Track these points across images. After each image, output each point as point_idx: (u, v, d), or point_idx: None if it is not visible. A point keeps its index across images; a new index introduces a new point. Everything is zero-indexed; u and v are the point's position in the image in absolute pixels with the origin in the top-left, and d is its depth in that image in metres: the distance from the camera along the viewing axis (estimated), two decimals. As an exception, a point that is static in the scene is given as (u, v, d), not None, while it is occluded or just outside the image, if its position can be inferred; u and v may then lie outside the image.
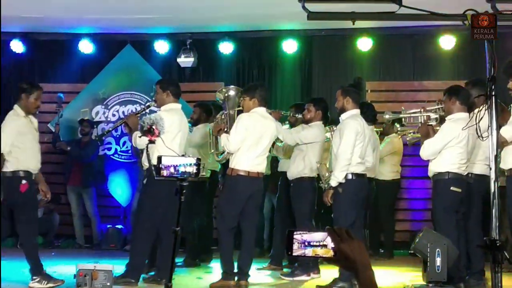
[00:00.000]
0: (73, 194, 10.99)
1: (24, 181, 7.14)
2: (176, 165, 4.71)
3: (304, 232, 2.24)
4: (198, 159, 4.82)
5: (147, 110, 8.34)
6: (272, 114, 7.99)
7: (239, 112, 7.67)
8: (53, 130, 11.26)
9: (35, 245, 7.49)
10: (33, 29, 11.33)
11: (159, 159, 4.74)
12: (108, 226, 11.10)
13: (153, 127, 5.96)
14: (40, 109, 11.52)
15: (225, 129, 7.59)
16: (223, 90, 8.07)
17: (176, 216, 4.96)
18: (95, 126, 11.30)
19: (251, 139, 7.38)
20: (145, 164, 7.28)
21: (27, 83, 7.53)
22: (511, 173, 6.75)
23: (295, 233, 2.23)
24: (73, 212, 11.04)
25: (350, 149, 7.24)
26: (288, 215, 8.49)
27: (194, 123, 9.02)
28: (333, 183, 7.27)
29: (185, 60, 11.15)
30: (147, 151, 6.51)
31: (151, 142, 6.11)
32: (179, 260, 8.60)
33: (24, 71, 11.88)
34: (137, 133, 7.16)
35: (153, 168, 6.19)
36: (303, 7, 4.79)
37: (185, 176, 4.74)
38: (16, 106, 7.36)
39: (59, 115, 11.03)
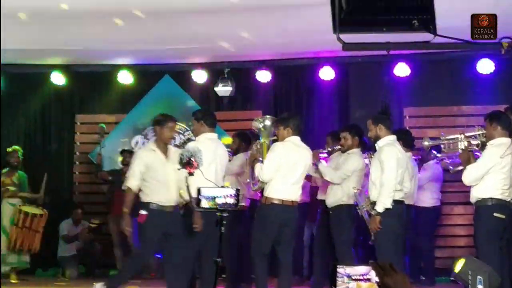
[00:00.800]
0: (113, 223, 11.06)
1: (143, 212, 7.14)
2: (216, 197, 4.75)
3: (348, 266, 2.25)
4: (237, 190, 4.86)
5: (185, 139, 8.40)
6: (313, 159, 8.05)
7: (274, 141, 7.71)
8: (95, 161, 11.40)
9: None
10: (74, 61, 11.52)
11: (199, 190, 4.78)
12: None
13: (192, 159, 6.02)
14: (81, 140, 11.83)
15: (260, 159, 7.64)
16: (259, 119, 8.11)
17: (216, 246, 4.98)
18: (135, 156, 11.40)
19: (285, 168, 7.41)
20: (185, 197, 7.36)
21: (161, 115, 7.63)
22: None
23: (338, 266, 2.25)
24: (114, 242, 11.11)
25: (395, 174, 7.23)
26: (327, 242, 8.46)
27: (234, 152, 9.07)
28: (380, 209, 7.24)
29: (223, 89, 11.22)
30: (186, 183, 6.57)
31: (190, 174, 6.17)
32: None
33: (65, 103, 12.05)
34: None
35: (192, 199, 6.25)
36: (338, 38, 4.83)
37: (225, 207, 4.78)
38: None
39: (101, 145, 11.16)
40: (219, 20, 8.80)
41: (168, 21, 8.93)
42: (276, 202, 7.40)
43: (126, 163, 11.06)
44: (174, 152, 7.36)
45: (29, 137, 12.01)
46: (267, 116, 8.40)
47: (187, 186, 6.65)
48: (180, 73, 11.64)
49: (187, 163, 6.03)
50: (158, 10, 8.38)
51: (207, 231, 7.15)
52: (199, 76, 11.36)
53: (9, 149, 10.58)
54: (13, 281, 10.13)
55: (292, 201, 7.49)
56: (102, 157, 11.23)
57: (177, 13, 8.47)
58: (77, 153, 11.93)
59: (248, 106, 11.69)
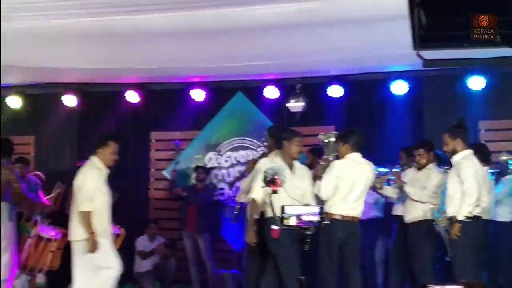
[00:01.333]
0: (188, 239, 11.18)
1: (275, 227, 7.10)
2: (300, 215, 4.76)
3: (438, 285, 2.24)
4: (321, 208, 4.86)
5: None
6: (396, 182, 8.04)
7: (337, 157, 7.75)
8: (168, 177, 11.55)
9: None
10: (148, 80, 11.69)
11: (283, 208, 4.81)
12: (223, 271, 11.22)
13: (276, 177, 6.05)
14: (156, 157, 12.00)
15: (321, 175, 7.67)
16: (325, 134, 8.14)
17: (299, 264, 4.99)
18: (209, 173, 11.53)
19: (344, 186, 7.42)
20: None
21: (287, 131, 7.75)
22: None
23: (428, 286, 2.24)
24: (189, 258, 11.21)
25: (475, 184, 7.16)
26: (404, 259, 8.39)
27: (308, 167, 9.06)
28: (461, 216, 7.18)
29: (295, 105, 11.23)
30: (269, 200, 6.58)
31: (274, 192, 6.20)
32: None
33: (140, 120, 12.23)
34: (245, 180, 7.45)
35: (276, 217, 6.27)
36: (418, 55, 4.79)
37: (309, 225, 4.79)
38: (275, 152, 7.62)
39: (176, 161, 11.31)
40: (291, 36, 8.80)
41: (240, 39, 8.97)
42: (337, 218, 7.42)
43: (200, 180, 11.20)
44: (300, 168, 7.44)
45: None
46: (332, 132, 8.42)
47: (271, 204, 6.68)
48: (252, 89, 11.69)
49: (271, 181, 6.06)
50: (230, 28, 8.44)
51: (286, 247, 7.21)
52: (271, 92, 11.39)
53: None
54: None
55: (353, 217, 7.50)
56: (177, 173, 11.38)
57: (248, 30, 8.51)
58: (152, 169, 12.08)
59: (320, 122, 11.64)
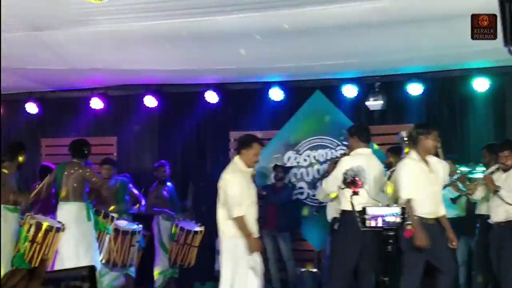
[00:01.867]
0: (268, 238, 11.22)
1: (409, 227, 7.00)
2: (382, 216, 4.74)
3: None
4: (403, 208, 4.83)
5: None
6: (489, 187, 7.93)
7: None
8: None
9: None
10: (226, 80, 11.80)
11: (364, 209, 4.79)
12: (303, 269, 11.24)
13: (356, 178, 6.02)
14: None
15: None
16: (405, 132, 8.10)
17: (383, 266, 4.96)
18: (288, 172, 11.56)
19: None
20: (338, 208, 7.41)
21: (422, 126, 7.75)
22: None
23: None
24: (269, 256, 11.25)
25: None
26: (487, 259, 8.25)
27: (387, 167, 9.00)
28: None
29: (374, 103, 11.15)
30: (350, 201, 6.56)
31: (355, 193, 6.18)
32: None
33: (219, 120, 12.34)
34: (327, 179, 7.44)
35: (358, 218, 6.26)
36: (510, 51, 4.71)
37: (390, 226, 4.76)
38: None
39: (255, 160, 11.36)
40: (369, 34, 8.77)
41: (319, 38, 8.98)
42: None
43: (279, 178, 11.24)
44: (437, 163, 7.39)
45: (185, 155, 12.38)
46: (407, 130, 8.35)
47: (352, 205, 6.67)
48: (331, 88, 11.65)
49: (352, 183, 6.03)
50: (308, 27, 8.46)
51: (360, 247, 7.20)
52: (350, 91, 11.34)
53: (157, 165, 11.01)
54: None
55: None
56: (256, 172, 11.41)
57: (327, 29, 8.51)
58: (231, 169, 12.15)
59: (400, 120, 11.53)
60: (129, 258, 9.56)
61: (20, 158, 8.68)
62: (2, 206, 8.46)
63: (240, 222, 7.43)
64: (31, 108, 12.64)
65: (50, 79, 11.95)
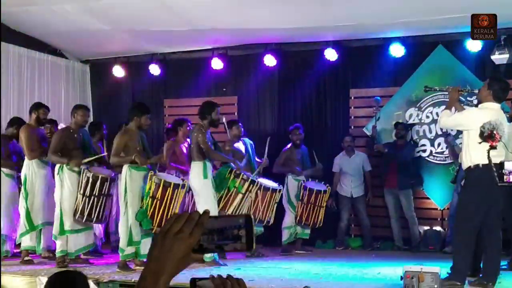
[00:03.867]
0: (390, 196, 11.13)
1: None
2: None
3: None
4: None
5: (466, 93, 8.10)
6: None
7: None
8: (369, 134, 11.54)
9: None
10: (346, 37, 11.67)
11: (501, 164, 4.65)
12: (426, 228, 11.10)
13: (494, 132, 5.84)
14: (355, 114, 12.01)
15: None
16: None
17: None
18: (409, 129, 11.39)
19: None
20: (465, 163, 7.22)
21: None
22: None
23: None
24: (391, 214, 11.17)
25: None
26: None
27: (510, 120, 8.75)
28: None
29: (500, 57, 10.76)
30: (488, 155, 6.33)
31: (492, 147, 5.98)
32: (503, 263, 8.30)
33: (339, 78, 12.25)
34: (445, 112, 7.29)
35: (495, 173, 6.07)
36: None
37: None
38: None
39: (376, 117, 11.25)
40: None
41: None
42: None
43: (400, 136, 11.10)
44: None
45: (306, 113, 12.37)
46: None
47: (489, 160, 6.44)
48: (454, 43, 11.32)
49: (489, 136, 5.84)
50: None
51: (489, 203, 7.03)
52: (474, 45, 10.96)
53: (292, 128, 11.04)
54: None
55: None
56: (377, 130, 11.32)
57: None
58: (352, 126, 12.09)
59: (527, 74, 11.12)
60: (268, 214, 9.82)
61: (143, 119, 8.88)
62: (128, 165, 8.73)
63: None
64: (154, 69, 12.91)
65: (172, 40, 12.17)
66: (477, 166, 6.99)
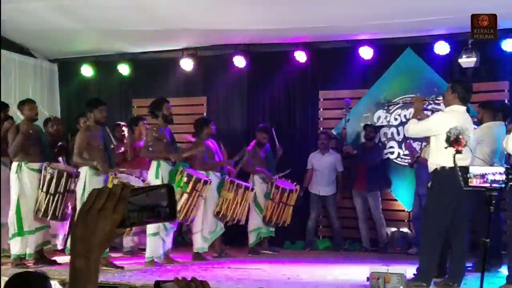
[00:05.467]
0: (358, 198, 11.19)
1: None
2: (486, 175, 4.61)
3: None
4: (508, 168, 4.69)
5: (431, 102, 8.23)
6: None
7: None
8: (337, 136, 11.59)
9: None
10: (315, 39, 11.70)
11: (466, 168, 4.68)
12: (394, 229, 11.18)
13: (460, 136, 5.89)
14: (324, 116, 12.05)
15: None
16: None
17: (486, 227, 4.84)
18: (378, 131, 11.46)
19: None
20: (432, 166, 7.29)
21: None
22: None
23: None
24: (359, 216, 11.23)
25: None
26: None
27: (479, 123, 8.86)
28: None
29: (467, 61, 10.84)
30: (454, 159, 6.39)
31: (458, 152, 6.04)
32: (469, 264, 8.37)
33: (308, 80, 12.27)
34: (412, 121, 7.38)
35: (460, 177, 6.10)
36: None
37: (494, 185, 4.63)
38: None
39: (346, 119, 11.31)
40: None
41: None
42: None
43: (370, 138, 11.16)
44: None
45: (275, 114, 12.37)
46: None
47: (455, 164, 6.50)
48: (422, 46, 11.41)
49: (455, 141, 5.90)
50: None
51: (454, 206, 7.10)
52: (442, 48, 11.05)
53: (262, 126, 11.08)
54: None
55: None
56: (346, 132, 11.38)
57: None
58: (321, 128, 12.11)
59: (493, 77, 11.22)
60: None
61: (96, 113, 8.84)
62: (88, 168, 8.71)
63: None
64: (123, 69, 12.85)
65: (142, 40, 12.12)
66: (443, 168, 7.06)
